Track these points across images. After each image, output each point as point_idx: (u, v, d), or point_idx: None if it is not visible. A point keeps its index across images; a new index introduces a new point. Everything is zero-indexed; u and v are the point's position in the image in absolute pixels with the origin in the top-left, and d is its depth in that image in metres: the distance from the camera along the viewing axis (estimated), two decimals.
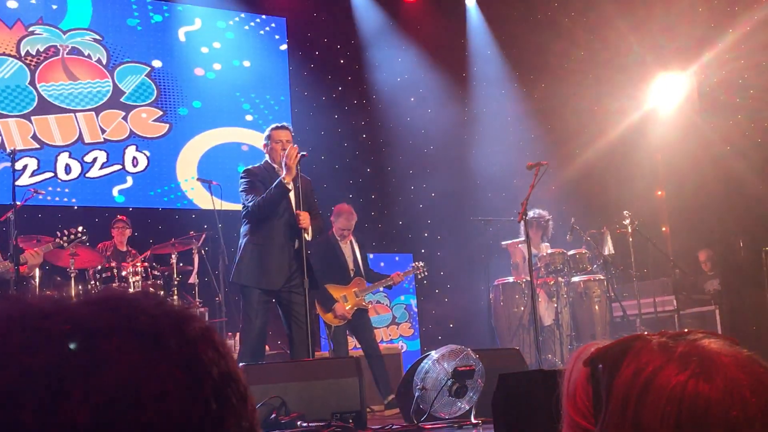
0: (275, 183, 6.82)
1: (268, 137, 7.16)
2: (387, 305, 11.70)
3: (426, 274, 9.52)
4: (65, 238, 7.84)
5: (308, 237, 6.96)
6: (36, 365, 0.70)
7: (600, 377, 0.99)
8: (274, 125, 7.26)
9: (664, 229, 11.96)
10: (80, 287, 8.40)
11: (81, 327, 0.73)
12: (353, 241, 8.96)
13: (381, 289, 9.48)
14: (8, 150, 7.79)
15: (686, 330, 1.00)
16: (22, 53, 10.17)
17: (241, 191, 7.11)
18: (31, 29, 10.27)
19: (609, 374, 0.98)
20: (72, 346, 0.72)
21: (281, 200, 6.87)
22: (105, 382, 0.70)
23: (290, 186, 6.79)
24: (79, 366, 0.71)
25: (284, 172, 6.79)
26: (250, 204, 6.93)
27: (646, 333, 1.00)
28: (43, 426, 0.68)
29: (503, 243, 10.18)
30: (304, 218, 6.87)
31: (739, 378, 0.92)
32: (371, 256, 11.89)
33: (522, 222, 8.08)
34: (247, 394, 0.80)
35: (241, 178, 7.15)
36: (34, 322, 0.73)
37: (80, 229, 7.99)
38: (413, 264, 9.46)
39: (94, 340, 0.73)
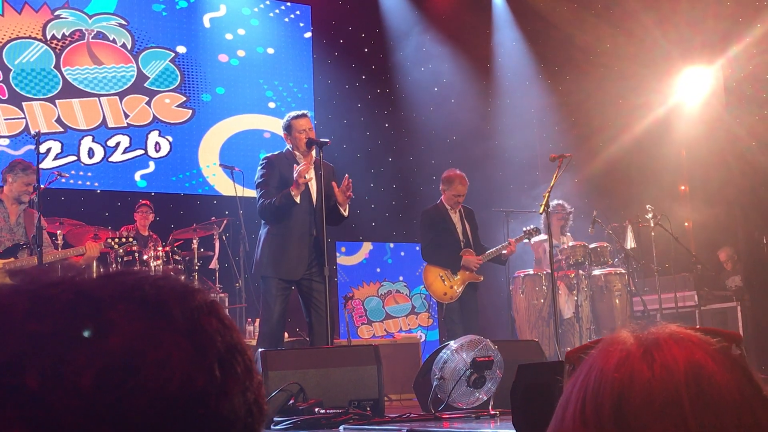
0: (283, 193, 6.81)
1: (288, 126, 7.10)
2: (406, 295, 11.70)
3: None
4: (117, 240, 7.89)
5: (345, 213, 7.07)
6: (41, 331, 0.71)
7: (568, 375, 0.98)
8: (293, 114, 7.19)
9: (686, 224, 11.87)
10: (101, 270, 8.44)
11: (86, 295, 0.74)
12: (462, 211, 8.79)
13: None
14: (32, 133, 7.81)
15: (662, 324, 0.96)
16: (48, 37, 10.22)
17: (256, 182, 7.13)
18: (57, 13, 10.32)
19: (572, 372, 0.97)
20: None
21: (289, 208, 6.87)
22: (109, 348, 0.71)
23: (297, 199, 6.77)
24: (84, 332, 0.71)
25: (294, 185, 6.76)
26: (260, 204, 6.98)
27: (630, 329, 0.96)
28: (48, 390, 0.69)
29: (526, 240, 10.15)
30: (339, 194, 6.98)
31: (677, 364, 0.88)
32: (391, 245, 11.96)
33: (543, 214, 8.07)
34: (252, 367, 0.81)
35: (259, 167, 7.14)
36: (40, 290, 0.74)
37: (133, 234, 8.16)
38: (525, 229, 9.09)
39: (98, 306, 0.73)
